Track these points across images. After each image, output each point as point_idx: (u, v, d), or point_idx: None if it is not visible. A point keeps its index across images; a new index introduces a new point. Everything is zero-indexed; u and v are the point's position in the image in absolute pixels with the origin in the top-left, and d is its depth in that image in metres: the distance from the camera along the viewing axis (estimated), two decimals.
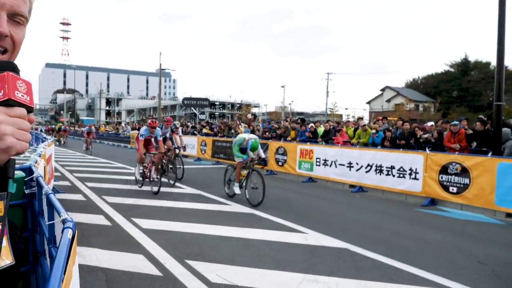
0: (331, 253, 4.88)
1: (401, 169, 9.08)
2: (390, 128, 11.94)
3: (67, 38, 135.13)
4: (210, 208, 7.31)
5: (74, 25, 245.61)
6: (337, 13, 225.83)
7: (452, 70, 60.92)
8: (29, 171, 3.15)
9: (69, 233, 1.30)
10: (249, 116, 23.32)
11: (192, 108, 23.93)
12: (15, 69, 0.84)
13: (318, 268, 4.28)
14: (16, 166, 2.66)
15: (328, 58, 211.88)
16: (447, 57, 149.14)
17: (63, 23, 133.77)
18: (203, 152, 17.79)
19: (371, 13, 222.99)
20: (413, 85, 64.39)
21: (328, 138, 12.27)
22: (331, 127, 12.94)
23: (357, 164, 10.16)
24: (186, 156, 19.05)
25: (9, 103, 0.79)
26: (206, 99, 24.66)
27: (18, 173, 3.19)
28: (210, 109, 76.00)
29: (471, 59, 59.77)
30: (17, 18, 0.91)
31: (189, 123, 27.91)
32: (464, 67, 59.17)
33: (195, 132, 20.59)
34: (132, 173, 12.55)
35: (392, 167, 9.28)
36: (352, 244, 5.17)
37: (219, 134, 18.19)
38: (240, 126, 17.82)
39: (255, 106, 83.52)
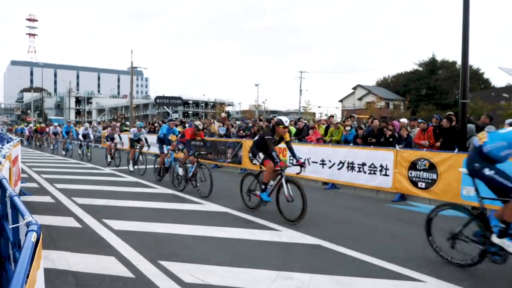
0: (304, 249, 4.94)
1: (372, 166, 9.29)
2: (361, 125, 12.20)
3: (34, 34, 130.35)
4: (183, 208, 7.25)
5: (41, 21, 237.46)
6: (308, 12, 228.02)
7: (420, 69, 62.82)
8: None
9: (33, 236, 1.26)
10: (223, 114, 23.22)
11: (165, 107, 23.60)
12: None
13: (291, 265, 4.33)
14: None
15: (300, 57, 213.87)
16: (416, 56, 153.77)
17: (29, 19, 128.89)
18: (177, 151, 17.53)
19: (341, 12, 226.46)
20: (383, 83, 65.95)
21: (301, 136, 12.39)
22: (304, 125, 13.06)
23: (329, 161, 10.32)
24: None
25: None
26: (179, 98, 24.33)
27: None
28: (183, 108, 75.23)
29: (438, 58, 61.90)
30: None
31: (161, 122, 27.51)
32: (432, 66, 61.15)
33: None
34: (104, 173, 12.27)
35: (364, 164, 9.47)
36: (325, 240, 5.25)
37: None
38: (213, 125, 17.73)
39: (229, 105, 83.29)
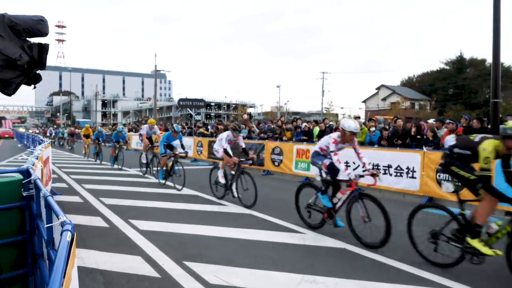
0: (329, 253, 4.88)
1: (398, 168, 9.11)
2: (386, 126, 11.99)
3: (63, 40, 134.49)
4: (207, 209, 7.30)
5: (69, 27, 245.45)
6: (328, 13, 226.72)
7: (447, 67, 61.15)
8: (26, 173, 3.14)
9: (68, 236, 1.30)
10: (245, 116, 23.28)
11: (188, 109, 23.86)
12: None
13: (316, 268, 4.28)
14: (14, 168, 2.65)
15: (322, 58, 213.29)
16: (442, 54, 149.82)
17: (58, 26, 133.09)
18: (199, 153, 17.78)
19: (362, 12, 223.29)
20: (408, 83, 64.62)
21: None
22: (327, 126, 12.95)
23: (354, 163, 10.16)
24: (183, 157, 19.01)
25: None
26: (201, 100, 24.50)
27: (16, 176, 3.18)
28: (205, 109, 75.89)
29: (466, 56, 60.00)
30: None
31: (184, 124, 27.87)
32: (460, 65, 59.41)
33: (191, 133, 20.56)
34: (129, 174, 12.50)
35: (389, 166, 9.30)
36: (350, 244, 5.18)
37: (215, 135, 18.16)
38: None
39: (250, 106, 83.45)
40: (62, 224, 1.46)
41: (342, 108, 64.50)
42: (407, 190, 8.89)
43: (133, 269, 4.16)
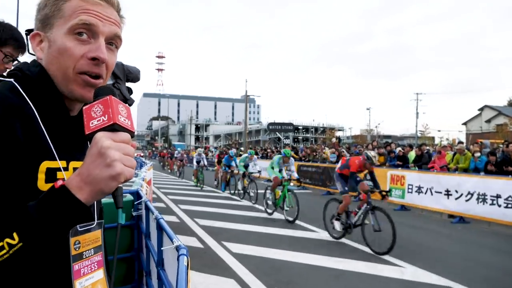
0: None
1: (510, 199, 8.11)
2: (494, 151, 10.83)
3: (162, 69, 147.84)
4: (298, 235, 7.22)
5: (168, 57, 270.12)
6: (421, 31, 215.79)
7: None
8: (136, 195, 3.43)
9: (185, 261, 1.37)
10: (334, 140, 22.90)
11: (277, 132, 24.29)
12: (114, 94, 0.82)
13: None
14: (126, 189, 2.89)
15: (415, 78, 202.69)
16: None
17: (158, 56, 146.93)
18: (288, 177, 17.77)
19: (460, 28, 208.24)
20: None
21: (421, 163, 11.50)
22: (425, 152, 12.12)
23: (456, 192, 9.32)
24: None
25: (114, 127, 0.76)
26: (290, 124, 24.78)
27: (127, 197, 3.49)
28: (293, 133, 76.25)
29: None
30: (114, 41, 0.92)
31: (273, 147, 28.29)
32: None
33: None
34: (221, 196, 12.98)
35: (498, 196, 8.34)
36: (455, 282, 4.69)
37: (305, 159, 18.09)
38: (325, 150, 17.56)
39: (339, 130, 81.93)
40: (177, 248, 1.55)
41: (439, 131, 60.30)
42: None
43: None
